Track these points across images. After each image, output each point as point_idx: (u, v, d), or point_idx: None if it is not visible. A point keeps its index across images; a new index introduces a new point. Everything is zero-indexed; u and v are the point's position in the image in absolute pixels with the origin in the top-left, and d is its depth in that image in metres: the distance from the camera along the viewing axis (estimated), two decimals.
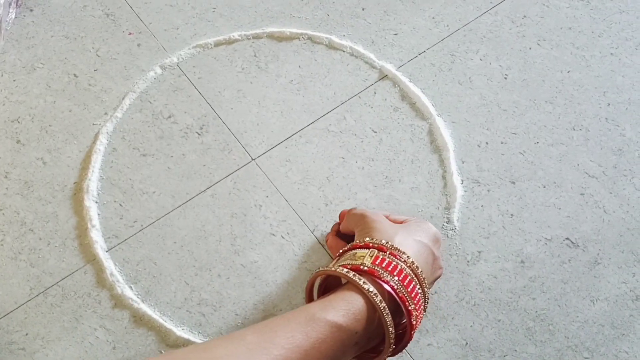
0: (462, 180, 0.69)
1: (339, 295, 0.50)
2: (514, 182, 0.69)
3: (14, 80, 0.73)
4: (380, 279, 0.49)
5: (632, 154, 0.71)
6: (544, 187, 0.69)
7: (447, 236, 0.67)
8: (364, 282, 0.49)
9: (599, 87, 0.75)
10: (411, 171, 0.70)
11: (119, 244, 0.66)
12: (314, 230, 0.67)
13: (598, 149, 0.71)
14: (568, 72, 0.75)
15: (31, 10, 0.77)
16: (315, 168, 0.70)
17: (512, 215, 0.68)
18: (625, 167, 0.70)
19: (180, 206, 0.67)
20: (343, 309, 0.48)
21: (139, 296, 0.63)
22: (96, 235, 0.65)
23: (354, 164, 0.70)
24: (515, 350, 0.62)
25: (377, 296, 0.48)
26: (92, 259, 0.65)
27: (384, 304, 0.48)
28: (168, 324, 0.62)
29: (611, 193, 0.69)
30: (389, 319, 0.48)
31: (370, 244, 0.53)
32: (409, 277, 0.51)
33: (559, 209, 0.68)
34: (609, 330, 0.63)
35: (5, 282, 0.63)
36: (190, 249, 0.66)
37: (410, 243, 0.54)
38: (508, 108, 0.73)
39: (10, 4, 0.73)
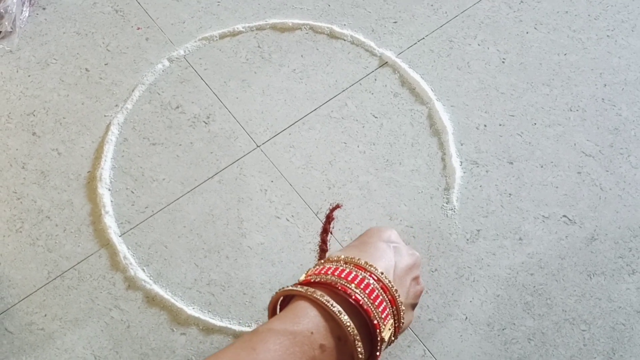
0: (461, 162, 0.71)
1: (284, 309, 0.49)
2: (512, 163, 0.71)
3: (29, 76, 0.76)
4: (311, 283, 0.49)
5: (629, 133, 0.73)
6: (542, 166, 0.71)
7: (447, 216, 0.69)
8: (300, 287, 0.48)
9: (596, 68, 0.76)
10: (411, 154, 0.72)
11: (131, 228, 0.69)
12: (317, 212, 0.69)
13: (595, 129, 0.73)
14: (565, 54, 0.77)
15: (44, 9, 0.80)
16: (318, 153, 0.72)
17: (510, 194, 0.70)
18: (621, 145, 0.72)
19: (189, 192, 0.70)
20: (288, 317, 0.46)
21: (151, 278, 0.66)
22: (109, 221, 0.68)
23: (355, 148, 0.72)
24: (514, 324, 0.64)
25: (315, 292, 0.47)
26: (106, 243, 0.68)
27: (326, 297, 0.46)
28: (179, 304, 0.65)
29: (607, 171, 0.71)
30: (335, 309, 0.46)
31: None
32: (347, 270, 0.50)
33: (556, 187, 0.70)
34: (606, 303, 0.65)
35: (24, 266, 0.67)
36: (199, 232, 0.68)
37: (348, 248, 0.55)
38: (506, 91, 0.75)
39: (23, 3, 0.76)
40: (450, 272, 0.66)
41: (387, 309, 0.50)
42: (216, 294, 0.66)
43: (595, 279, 0.66)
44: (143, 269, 0.67)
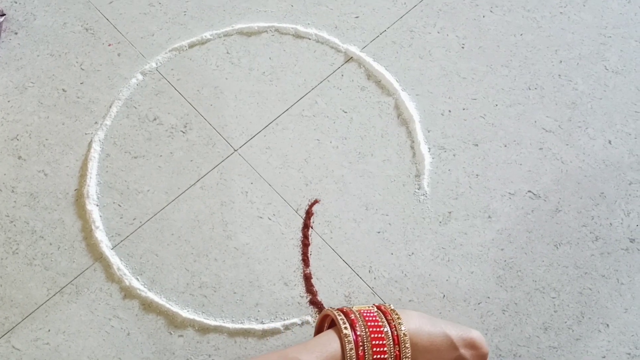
0: (429, 148, 0.75)
1: (318, 338, 0.52)
2: (477, 145, 0.75)
3: (9, 101, 0.79)
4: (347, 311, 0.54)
5: (585, 106, 0.76)
6: (505, 146, 0.75)
7: (419, 201, 0.73)
8: (345, 327, 0.52)
9: (551, 46, 0.80)
10: (382, 145, 0.75)
11: (122, 241, 0.72)
12: (297, 209, 0.73)
13: (553, 105, 0.77)
14: (521, 35, 0.80)
15: (16, 33, 0.82)
16: (293, 152, 0.75)
17: (477, 175, 0.74)
18: (579, 119, 0.76)
19: (173, 200, 0.74)
20: (317, 351, 0.50)
21: (146, 286, 0.70)
22: (100, 235, 0.72)
23: (328, 144, 0.76)
24: (489, 297, 0.69)
25: (350, 343, 0.50)
26: (99, 257, 0.71)
27: (353, 352, 0.50)
28: (174, 308, 0.69)
29: (567, 145, 0.75)
30: (347, 338, 0.50)
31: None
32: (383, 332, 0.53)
33: (520, 164, 0.74)
34: (573, 270, 0.70)
35: (24, 286, 0.70)
36: (186, 238, 0.72)
37: (420, 321, 0.56)
38: (467, 76, 0.78)
39: None
40: (426, 254, 0.71)
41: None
42: (208, 296, 0.70)
43: (561, 248, 0.70)
44: (137, 278, 0.70)
